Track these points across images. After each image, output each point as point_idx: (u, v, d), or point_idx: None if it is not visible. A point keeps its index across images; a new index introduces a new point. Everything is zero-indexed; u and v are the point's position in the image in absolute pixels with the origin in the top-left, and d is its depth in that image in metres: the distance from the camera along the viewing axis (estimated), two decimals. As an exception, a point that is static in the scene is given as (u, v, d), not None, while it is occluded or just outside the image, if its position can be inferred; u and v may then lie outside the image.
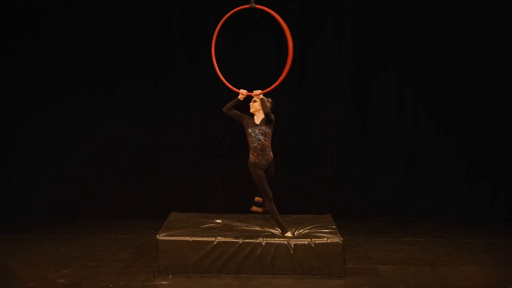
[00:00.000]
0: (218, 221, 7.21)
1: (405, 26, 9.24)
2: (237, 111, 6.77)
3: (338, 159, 9.44)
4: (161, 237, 6.54)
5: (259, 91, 6.67)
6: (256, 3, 6.61)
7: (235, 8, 6.71)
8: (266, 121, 6.64)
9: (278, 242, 6.50)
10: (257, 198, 6.96)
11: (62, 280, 6.43)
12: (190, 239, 6.52)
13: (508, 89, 9.28)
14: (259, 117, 6.72)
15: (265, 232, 6.81)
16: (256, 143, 6.65)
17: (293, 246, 6.46)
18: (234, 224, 7.09)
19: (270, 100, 6.70)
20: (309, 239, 6.50)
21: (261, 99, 6.65)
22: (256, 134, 6.65)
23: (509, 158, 9.36)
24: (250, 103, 6.75)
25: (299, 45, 9.15)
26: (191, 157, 9.43)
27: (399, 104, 9.40)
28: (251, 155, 6.73)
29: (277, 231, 6.84)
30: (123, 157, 9.43)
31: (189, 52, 9.25)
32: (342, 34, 9.26)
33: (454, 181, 9.42)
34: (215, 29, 6.78)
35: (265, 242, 6.49)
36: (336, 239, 6.51)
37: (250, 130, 6.68)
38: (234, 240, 6.52)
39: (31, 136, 9.36)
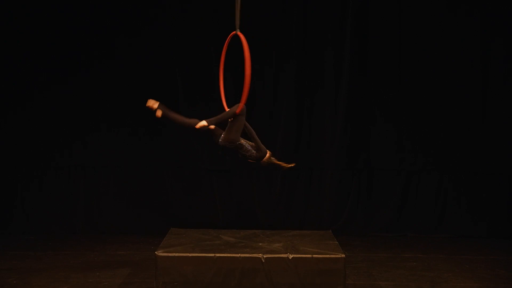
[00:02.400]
0: (217, 237, 7.19)
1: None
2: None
3: (338, 175, 9.44)
4: (160, 253, 6.51)
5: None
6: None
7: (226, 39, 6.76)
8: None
9: (278, 257, 6.47)
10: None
11: (61, 297, 6.43)
12: (190, 255, 6.49)
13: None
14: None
15: (265, 247, 6.78)
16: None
17: (293, 262, 6.43)
18: (233, 240, 7.07)
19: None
20: (310, 255, 6.48)
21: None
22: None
23: (510, 174, 9.35)
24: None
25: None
26: (191, 172, 9.43)
27: (399, 121, 9.42)
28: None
29: (277, 246, 6.80)
30: (122, 173, 9.43)
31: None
32: (342, 51, 9.35)
33: (454, 197, 9.41)
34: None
35: (265, 257, 6.47)
36: (338, 254, 6.48)
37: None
38: (234, 255, 6.49)
39: (30, 151, 9.37)
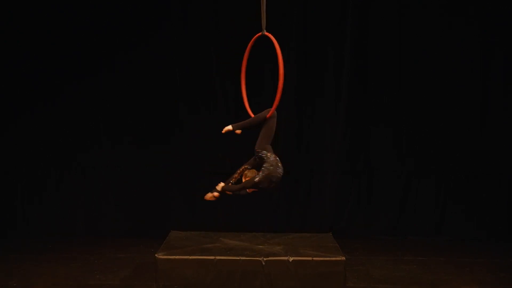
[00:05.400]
0: (218, 239, 7.19)
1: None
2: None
3: (339, 178, 9.43)
4: (161, 256, 6.52)
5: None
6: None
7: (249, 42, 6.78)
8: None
9: (278, 260, 6.47)
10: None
11: (61, 299, 6.44)
12: (190, 258, 6.49)
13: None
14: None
15: (265, 250, 6.78)
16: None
17: (293, 265, 6.43)
18: (234, 243, 7.07)
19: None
20: (310, 258, 6.48)
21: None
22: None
23: (510, 176, 9.35)
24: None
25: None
26: (191, 175, 9.41)
27: (399, 123, 9.42)
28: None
29: (278, 249, 6.79)
30: (122, 175, 9.42)
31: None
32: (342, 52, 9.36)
33: (455, 199, 9.40)
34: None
35: (265, 260, 6.47)
36: (338, 257, 6.48)
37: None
38: (234, 258, 6.49)
39: (30, 155, 9.36)
